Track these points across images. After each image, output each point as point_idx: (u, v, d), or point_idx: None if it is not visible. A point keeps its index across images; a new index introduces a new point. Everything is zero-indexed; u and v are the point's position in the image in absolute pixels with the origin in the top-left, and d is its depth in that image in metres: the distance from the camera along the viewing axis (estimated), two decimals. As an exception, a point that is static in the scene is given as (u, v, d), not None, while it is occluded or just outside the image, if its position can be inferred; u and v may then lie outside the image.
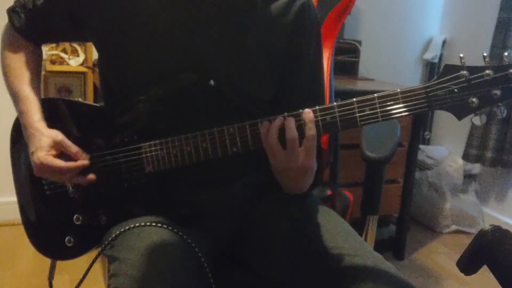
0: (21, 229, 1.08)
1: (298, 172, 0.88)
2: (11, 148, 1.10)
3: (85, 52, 2.28)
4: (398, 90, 0.81)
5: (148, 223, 0.90)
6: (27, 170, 1.04)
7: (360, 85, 2.44)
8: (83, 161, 0.95)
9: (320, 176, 1.07)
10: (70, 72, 2.30)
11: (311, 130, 0.84)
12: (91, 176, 0.96)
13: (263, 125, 0.86)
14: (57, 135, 0.95)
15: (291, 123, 0.84)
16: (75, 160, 0.95)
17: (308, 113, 0.84)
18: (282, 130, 0.85)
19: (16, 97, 1.01)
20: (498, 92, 0.76)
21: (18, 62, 1.04)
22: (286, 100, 1.01)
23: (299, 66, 1.00)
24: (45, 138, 0.94)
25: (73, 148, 0.95)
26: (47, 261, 1.15)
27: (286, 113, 0.86)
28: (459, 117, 0.79)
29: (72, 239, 1.00)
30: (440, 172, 2.73)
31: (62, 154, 0.95)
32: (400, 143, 2.24)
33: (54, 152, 0.94)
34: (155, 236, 0.88)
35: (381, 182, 1.27)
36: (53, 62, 2.24)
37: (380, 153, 1.21)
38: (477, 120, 0.79)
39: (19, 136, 1.02)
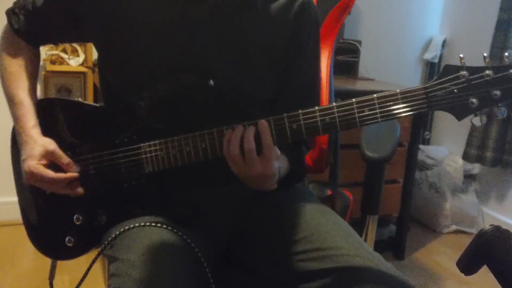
0: (21, 229, 1.08)
1: (257, 179, 0.88)
2: (12, 148, 1.10)
3: (85, 52, 2.28)
4: (398, 90, 0.81)
5: (147, 223, 0.90)
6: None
7: (360, 85, 2.45)
8: (73, 173, 0.96)
9: (302, 169, 1.09)
10: (70, 72, 2.30)
11: (267, 140, 0.84)
12: (79, 189, 0.97)
13: (226, 134, 0.86)
14: (50, 144, 0.95)
15: (249, 134, 0.85)
16: (66, 171, 0.95)
17: (262, 123, 0.85)
18: (242, 140, 0.85)
19: (11, 102, 1.01)
20: (498, 92, 0.76)
21: (15, 66, 1.04)
22: (282, 100, 1.01)
23: (296, 66, 1.00)
24: (37, 147, 0.95)
25: (65, 159, 0.96)
26: (47, 261, 1.16)
27: (246, 122, 0.86)
28: (459, 117, 0.79)
29: (72, 239, 1.00)
30: (440, 172, 2.73)
31: (54, 163, 0.96)
32: (400, 143, 2.24)
33: (45, 162, 0.94)
34: (155, 236, 0.88)
35: (381, 182, 1.27)
36: (53, 62, 2.24)
37: (380, 153, 1.21)
38: (477, 121, 0.79)
39: (19, 136, 1.02)
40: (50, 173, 0.94)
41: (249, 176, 0.88)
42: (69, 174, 0.95)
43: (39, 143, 0.95)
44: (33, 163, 0.93)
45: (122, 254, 0.86)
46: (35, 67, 1.08)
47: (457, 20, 2.92)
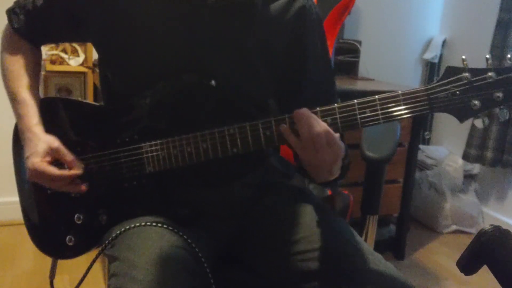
0: (21, 229, 1.08)
1: (328, 162, 0.85)
2: (13, 147, 1.10)
3: (85, 52, 2.28)
4: (399, 91, 0.80)
5: (148, 223, 0.90)
6: (29, 169, 1.05)
7: (360, 85, 2.44)
8: (77, 170, 0.95)
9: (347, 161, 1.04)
10: (70, 72, 2.30)
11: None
12: (83, 186, 0.96)
13: (282, 127, 0.84)
14: (54, 141, 0.95)
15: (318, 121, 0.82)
16: (70, 168, 0.95)
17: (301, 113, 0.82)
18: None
19: (14, 100, 1.01)
20: (500, 94, 0.76)
21: (17, 64, 1.04)
22: (296, 100, 1.00)
23: (306, 66, 1.00)
24: (41, 144, 0.94)
25: (69, 156, 0.95)
26: (47, 261, 1.15)
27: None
28: (461, 119, 0.79)
29: (73, 238, 1.00)
30: (440, 172, 2.73)
31: (57, 161, 0.96)
32: (400, 143, 2.24)
33: (48, 159, 0.94)
34: (155, 236, 0.88)
35: (381, 182, 1.27)
36: (53, 62, 2.24)
37: (380, 153, 1.21)
38: (479, 123, 0.78)
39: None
40: (54, 170, 0.93)
41: (323, 161, 0.84)
42: (73, 171, 0.95)
43: (42, 140, 0.95)
44: (37, 160, 0.93)
45: (122, 254, 0.86)
46: (36, 66, 1.08)
47: (457, 20, 2.92)
